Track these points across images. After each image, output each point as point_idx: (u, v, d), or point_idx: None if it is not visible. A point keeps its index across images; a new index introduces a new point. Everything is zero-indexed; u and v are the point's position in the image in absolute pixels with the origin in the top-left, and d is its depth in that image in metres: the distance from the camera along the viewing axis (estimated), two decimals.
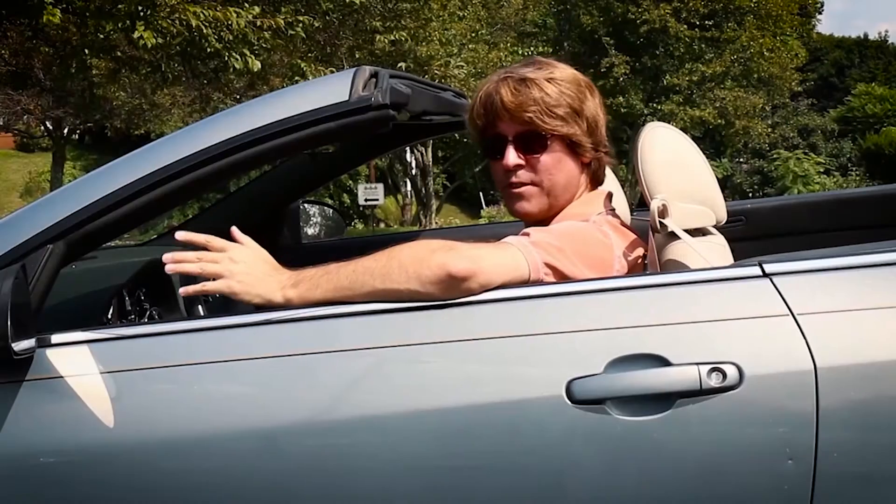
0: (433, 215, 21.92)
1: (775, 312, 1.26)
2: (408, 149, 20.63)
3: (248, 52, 8.14)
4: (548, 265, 1.41)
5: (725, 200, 1.69)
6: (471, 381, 1.29)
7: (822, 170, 24.40)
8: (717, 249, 1.58)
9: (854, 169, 27.52)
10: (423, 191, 21.47)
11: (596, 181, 1.66)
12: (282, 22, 8.27)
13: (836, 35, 41.16)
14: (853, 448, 1.23)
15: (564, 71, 1.60)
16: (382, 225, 22.98)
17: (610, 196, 1.65)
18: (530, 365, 1.29)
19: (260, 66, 8.36)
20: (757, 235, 2.21)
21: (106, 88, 15.19)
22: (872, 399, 1.23)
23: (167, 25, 7.62)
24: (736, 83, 22.79)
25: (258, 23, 8.06)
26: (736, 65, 22.34)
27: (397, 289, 1.34)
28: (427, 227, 18.34)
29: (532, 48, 20.72)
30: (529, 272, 1.38)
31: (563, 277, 1.41)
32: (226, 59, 8.10)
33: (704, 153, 1.67)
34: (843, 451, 1.22)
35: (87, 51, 9.16)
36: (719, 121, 22.63)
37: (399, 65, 11.41)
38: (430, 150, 20.75)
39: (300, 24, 8.71)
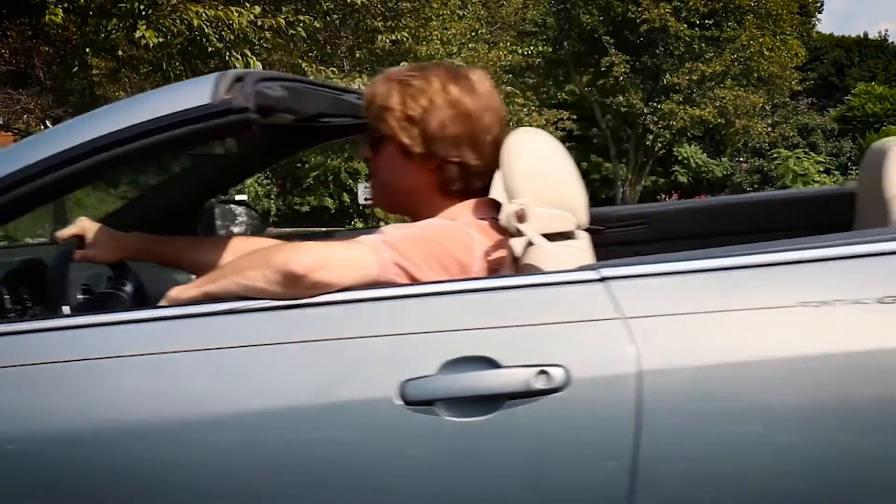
0: None
1: (606, 316, 1.29)
2: None
3: (248, 52, 8.15)
4: (398, 265, 1.42)
5: None
6: (307, 383, 1.31)
7: (821, 169, 24.42)
8: (574, 253, 1.60)
9: (854, 168, 27.53)
10: None
11: (461, 190, 1.61)
12: (283, 21, 8.28)
13: (836, 34, 41.17)
14: (674, 448, 1.25)
15: (427, 73, 1.61)
16: (382, 223, 22.97)
17: (492, 203, 1.59)
18: (366, 366, 1.31)
19: (261, 66, 8.37)
20: (659, 238, 2.24)
21: (106, 88, 15.18)
22: (695, 401, 1.25)
23: (168, 24, 7.63)
24: (736, 82, 22.79)
25: (259, 22, 8.07)
26: (736, 64, 22.34)
27: (250, 286, 1.38)
28: None
29: (532, 47, 20.73)
30: (378, 271, 1.40)
31: (412, 278, 1.43)
32: (227, 58, 8.11)
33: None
34: (664, 451, 1.25)
35: (87, 50, 9.16)
36: (719, 120, 22.65)
37: (401, 64, 11.41)
38: None
39: (301, 24, 8.72)
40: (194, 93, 1.43)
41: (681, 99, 22.35)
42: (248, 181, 28.75)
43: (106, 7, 8.00)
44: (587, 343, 1.29)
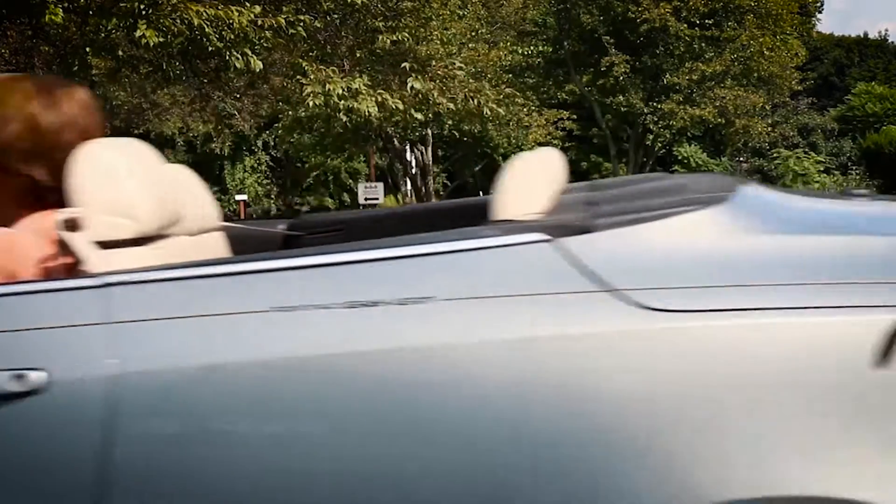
0: None
1: (96, 321, 1.33)
2: (408, 148, 20.62)
3: (249, 52, 8.16)
4: None
5: None
6: None
7: (822, 168, 24.48)
8: (129, 260, 1.63)
9: (854, 168, 27.54)
10: (423, 190, 21.49)
11: (34, 203, 1.65)
12: (283, 21, 8.28)
13: (836, 34, 41.20)
14: (149, 447, 1.30)
15: (15, 84, 1.63)
16: None
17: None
18: None
19: (261, 65, 8.38)
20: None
21: (106, 88, 15.19)
22: (171, 402, 1.30)
23: (169, 24, 7.64)
24: (736, 82, 22.81)
25: (259, 22, 8.07)
26: (736, 64, 22.36)
27: None
28: None
29: (532, 47, 20.73)
30: None
31: None
32: (227, 58, 8.12)
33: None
34: (140, 450, 1.29)
35: (87, 50, 9.17)
36: (719, 120, 22.66)
37: (402, 65, 11.41)
38: (430, 149, 20.76)
39: (301, 24, 8.72)
40: None
41: (681, 99, 22.36)
42: (248, 181, 28.78)
43: (106, 7, 8.00)
44: (73, 347, 1.33)
